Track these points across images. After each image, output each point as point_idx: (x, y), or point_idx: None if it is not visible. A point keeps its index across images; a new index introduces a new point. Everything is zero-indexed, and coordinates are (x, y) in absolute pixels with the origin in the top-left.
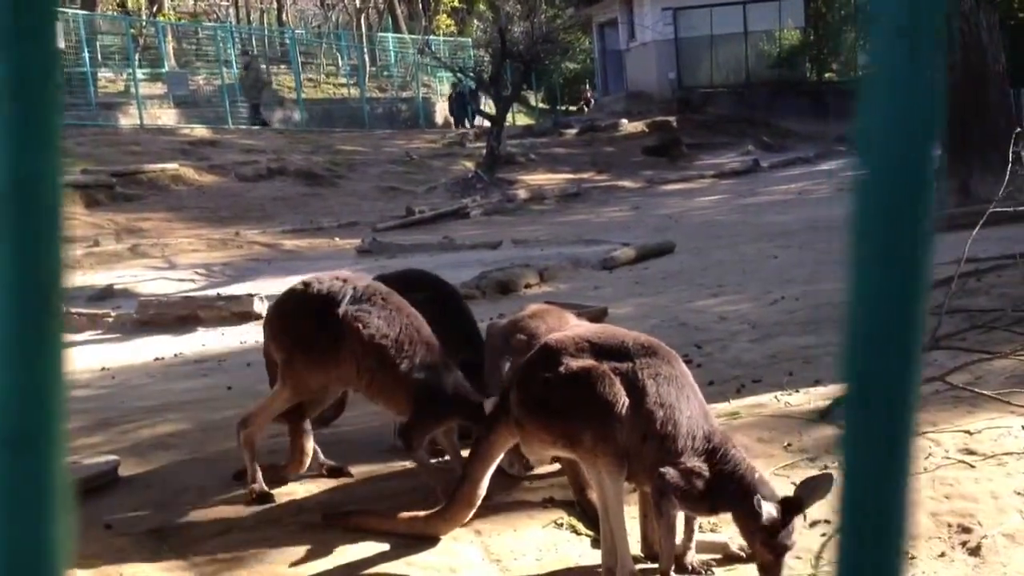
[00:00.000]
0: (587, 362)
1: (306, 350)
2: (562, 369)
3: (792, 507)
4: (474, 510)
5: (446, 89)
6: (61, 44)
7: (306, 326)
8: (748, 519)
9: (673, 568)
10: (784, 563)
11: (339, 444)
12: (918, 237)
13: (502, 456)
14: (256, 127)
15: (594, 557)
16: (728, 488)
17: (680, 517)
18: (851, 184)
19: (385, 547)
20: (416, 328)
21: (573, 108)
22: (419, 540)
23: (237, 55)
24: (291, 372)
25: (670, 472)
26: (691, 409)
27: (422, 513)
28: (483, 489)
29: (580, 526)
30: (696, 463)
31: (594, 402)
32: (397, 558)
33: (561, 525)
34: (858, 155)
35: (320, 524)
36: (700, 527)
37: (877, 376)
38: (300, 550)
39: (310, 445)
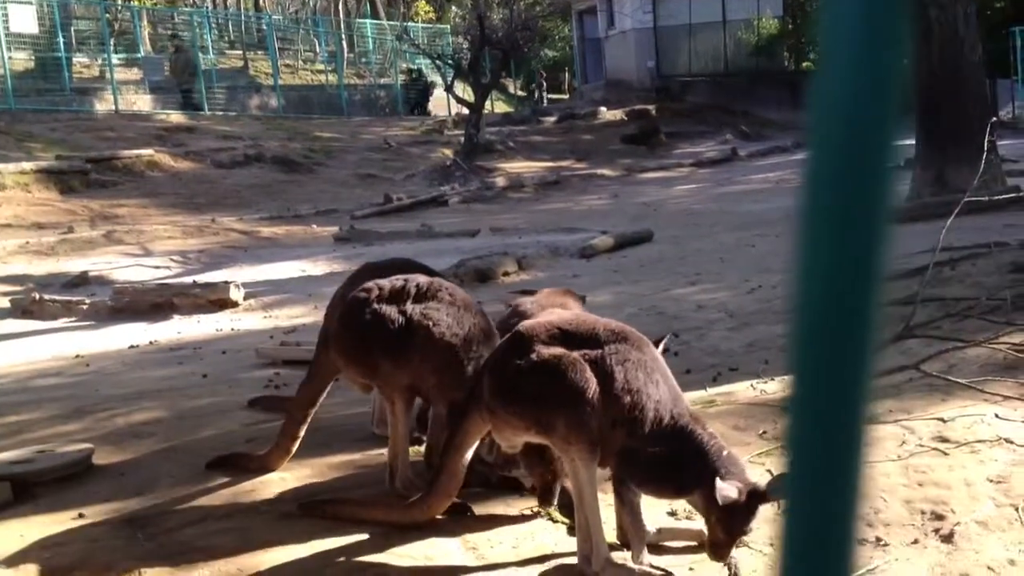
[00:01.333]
0: (558, 350)
1: (386, 353)
2: (534, 356)
3: (756, 495)
4: (452, 498)
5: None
6: (35, 29)
7: (378, 331)
8: (707, 494)
9: (646, 552)
10: (734, 546)
11: (316, 432)
12: (875, 223)
13: (477, 444)
14: (190, 111)
15: (570, 544)
16: (694, 468)
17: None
18: (804, 164)
19: (362, 536)
20: (482, 328)
21: (552, 96)
22: (396, 529)
23: (213, 40)
24: (383, 379)
25: (628, 459)
26: (659, 394)
27: (399, 502)
28: (460, 477)
29: (556, 514)
30: (660, 448)
31: (565, 389)
32: (374, 547)
33: (538, 513)
34: (811, 131)
35: (296, 513)
36: (676, 515)
37: (826, 373)
38: (276, 539)
39: (295, 444)
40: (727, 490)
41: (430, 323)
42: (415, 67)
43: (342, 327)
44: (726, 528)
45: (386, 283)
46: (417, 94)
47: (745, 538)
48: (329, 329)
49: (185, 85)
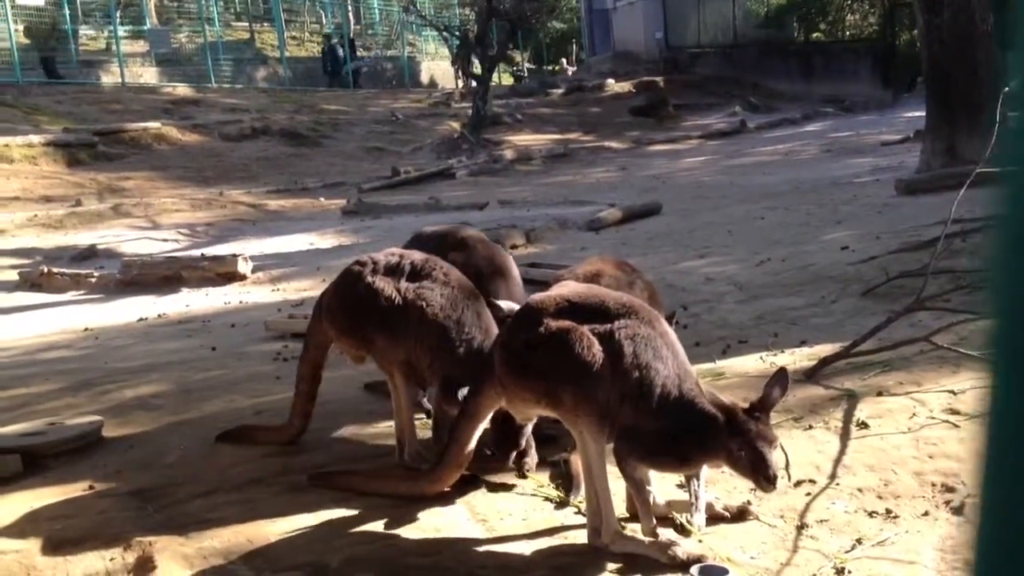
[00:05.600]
0: (566, 323)
1: (380, 328)
2: (542, 330)
3: (757, 407)
4: (462, 470)
5: (432, 49)
6: (41, 1)
7: (371, 306)
8: (717, 446)
9: (655, 526)
10: (766, 454)
11: (325, 404)
12: None
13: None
14: (54, 82)
15: (580, 517)
16: (694, 438)
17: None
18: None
19: (371, 508)
20: (476, 309)
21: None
22: (406, 501)
23: (219, 12)
24: (378, 353)
25: (627, 436)
26: (668, 370)
27: (409, 473)
28: (470, 449)
29: (550, 490)
30: (660, 424)
31: (573, 363)
32: (383, 518)
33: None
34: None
35: (306, 485)
36: (684, 487)
37: None
38: (285, 511)
39: (307, 420)
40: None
41: (423, 303)
42: (330, 35)
43: (336, 299)
44: (743, 438)
45: (381, 258)
46: (333, 63)
47: (754, 511)
48: (323, 300)
49: (47, 53)
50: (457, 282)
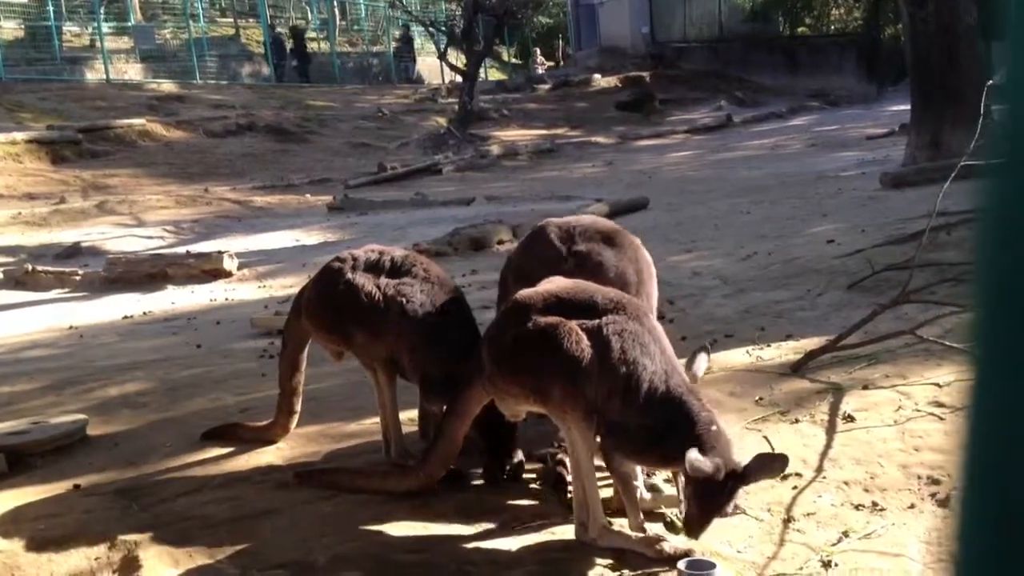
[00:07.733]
0: (554, 318)
1: (360, 325)
2: (530, 325)
3: (736, 475)
4: (448, 466)
5: (418, 44)
6: None
7: (351, 302)
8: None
9: (642, 521)
10: (709, 524)
11: (311, 402)
12: None
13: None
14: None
15: (567, 513)
16: (678, 440)
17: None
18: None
19: (358, 505)
20: (457, 305)
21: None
22: (393, 497)
23: (204, 8)
24: (358, 349)
25: (613, 430)
26: (655, 366)
27: (396, 470)
28: (457, 445)
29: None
30: (649, 420)
31: (560, 358)
32: (370, 515)
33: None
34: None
35: (292, 482)
36: (671, 481)
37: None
38: (272, 508)
39: (293, 419)
40: (699, 462)
41: (403, 299)
42: (274, 27)
43: (316, 295)
44: (700, 504)
45: (361, 254)
46: (278, 55)
47: (741, 504)
48: (303, 296)
49: None
50: (437, 278)
